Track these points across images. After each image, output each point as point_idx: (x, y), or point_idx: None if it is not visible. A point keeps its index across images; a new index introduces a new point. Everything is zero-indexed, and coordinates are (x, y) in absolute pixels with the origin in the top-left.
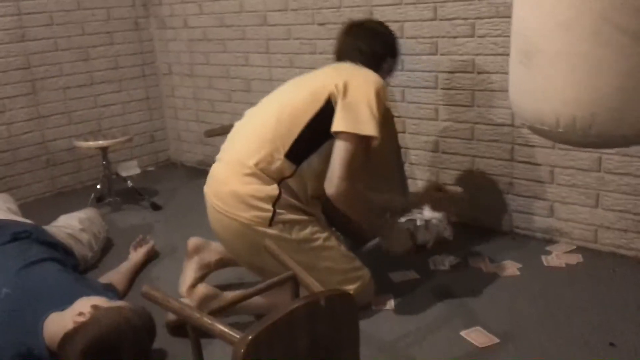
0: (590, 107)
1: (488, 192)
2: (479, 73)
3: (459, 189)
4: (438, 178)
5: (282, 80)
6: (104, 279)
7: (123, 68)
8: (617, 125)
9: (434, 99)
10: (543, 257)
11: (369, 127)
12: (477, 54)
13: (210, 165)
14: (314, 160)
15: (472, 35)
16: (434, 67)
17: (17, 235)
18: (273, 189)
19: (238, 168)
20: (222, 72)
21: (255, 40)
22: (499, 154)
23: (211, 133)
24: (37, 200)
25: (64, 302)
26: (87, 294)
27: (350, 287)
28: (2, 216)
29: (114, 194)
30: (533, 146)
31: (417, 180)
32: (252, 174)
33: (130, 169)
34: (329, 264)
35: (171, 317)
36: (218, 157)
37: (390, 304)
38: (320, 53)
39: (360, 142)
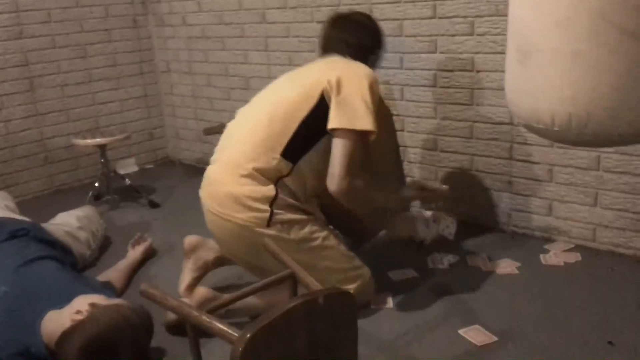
0: (587, 106)
1: (487, 191)
2: (478, 71)
3: (443, 187)
4: (437, 176)
5: None
6: (102, 277)
7: (121, 65)
8: (613, 124)
9: (433, 97)
10: (541, 256)
11: (365, 122)
12: (477, 53)
13: (208, 164)
14: (311, 157)
15: (471, 34)
16: (433, 66)
17: (15, 233)
18: (269, 190)
19: (234, 169)
20: (221, 70)
21: (254, 37)
22: (498, 152)
23: (210, 131)
24: (35, 198)
25: (62, 300)
26: (85, 292)
27: (351, 286)
28: (0, 214)
29: (112, 192)
30: (532, 145)
31: (416, 178)
32: (248, 175)
33: (128, 167)
34: (328, 264)
35: (170, 317)
36: (213, 159)
37: (389, 302)
38: None
39: (358, 137)
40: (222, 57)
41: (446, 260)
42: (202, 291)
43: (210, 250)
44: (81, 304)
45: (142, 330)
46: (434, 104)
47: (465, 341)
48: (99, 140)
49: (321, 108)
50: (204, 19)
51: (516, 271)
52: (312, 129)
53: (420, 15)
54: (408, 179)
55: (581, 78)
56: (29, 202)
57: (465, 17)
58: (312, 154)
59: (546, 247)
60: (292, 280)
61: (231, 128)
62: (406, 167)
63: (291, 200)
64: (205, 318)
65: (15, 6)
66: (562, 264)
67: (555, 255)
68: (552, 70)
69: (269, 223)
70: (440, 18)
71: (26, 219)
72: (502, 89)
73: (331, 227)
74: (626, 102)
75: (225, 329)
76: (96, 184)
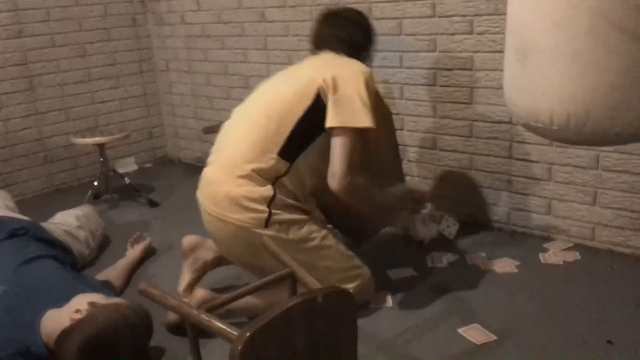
0: (585, 105)
1: (486, 190)
2: (477, 70)
3: (425, 189)
4: (436, 175)
5: None
6: (101, 276)
7: (120, 64)
8: (611, 123)
9: (432, 96)
10: (540, 255)
11: (364, 119)
12: (476, 51)
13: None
14: (308, 155)
15: (470, 33)
16: (433, 64)
17: (14, 232)
18: (267, 190)
19: (231, 170)
20: (220, 69)
21: (254, 36)
22: (497, 151)
23: (209, 130)
24: (34, 197)
25: (61, 299)
26: (85, 291)
27: (350, 286)
28: None
29: (111, 191)
30: (531, 144)
31: (415, 177)
32: (246, 176)
33: (127, 166)
34: (327, 263)
35: (171, 317)
36: (209, 160)
37: (389, 301)
38: None
39: (356, 134)
40: (221, 55)
41: (445, 259)
42: (200, 293)
43: (208, 251)
44: (80, 303)
45: (141, 329)
46: (433, 102)
47: (464, 340)
48: (98, 139)
49: (317, 106)
50: (203, 18)
51: (515, 270)
52: (308, 128)
53: (420, 14)
54: (415, 178)
55: (580, 77)
56: (28, 201)
57: (464, 15)
58: (309, 152)
59: (545, 246)
60: (292, 280)
61: (227, 128)
62: (405, 166)
63: (289, 200)
64: (204, 317)
65: (15, 5)
66: (561, 262)
67: (554, 254)
68: (550, 70)
69: (267, 223)
70: (439, 17)
71: (25, 218)
72: (501, 87)
73: (330, 226)
74: (625, 102)
75: (224, 327)
76: (95, 183)
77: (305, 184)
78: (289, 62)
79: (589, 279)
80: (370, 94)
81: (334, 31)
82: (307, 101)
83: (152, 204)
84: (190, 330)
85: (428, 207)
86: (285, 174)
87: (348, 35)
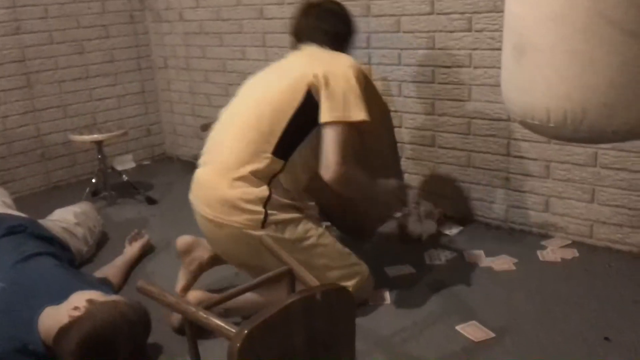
0: (582, 102)
1: (484, 187)
2: (475, 68)
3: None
4: (434, 173)
5: None
6: (99, 273)
7: (118, 61)
8: (608, 120)
9: (430, 93)
10: (539, 252)
11: (358, 113)
12: (474, 49)
13: None
14: (302, 151)
15: (469, 30)
16: (431, 62)
17: (12, 229)
18: (263, 190)
19: (225, 173)
20: (219, 66)
21: (252, 33)
22: (496, 148)
23: (207, 127)
24: (32, 194)
25: (59, 297)
26: (83, 289)
27: (349, 283)
28: None
29: (109, 188)
30: (529, 141)
31: (413, 175)
32: (241, 178)
33: (125, 163)
34: (325, 261)
35: (174, 320)
36: (201, 161)
37: (387, 298)
38: None
39: (349, 127)
40: (219, 53)
41: (443, 256)
42: (194, 294)
43: (204, 251)
44: (78, 300)
45: (140, 327)
46: (431, 100)
47: (462, 337)
48: (96, 137)
49: (308, 102)
50: (202, 15)
51: (513, 267)
52: (301, 124)
53: (419, 11)
54: (413, 176)
55: (577, 75)
56: (26, 198)
57: (463, 13)
58: (302, 148)
59: (543, 243)
60: (290, 277)
61: (218, 129)
62: (403, 163)
63: (284, 200)
64: (202, 314)
65: (12, 1)
66: (559, 260)
67: (552, 252)
68: (547, 67)
69: (264, 224)
70: (438, 14)
71: (23, 215)
72: (499, 85)
73: (328, 223)
74: (621, 99)
75: (222, 325)
76: (93, 180)
77: (300, 180)
78: None
79: (587, 276)
80: (361, 87)
81: (316, 23)
82: (299, 98)
83: (150, 201)
84: (188, 328)
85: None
86: (280, 171)
87: (330, 26)
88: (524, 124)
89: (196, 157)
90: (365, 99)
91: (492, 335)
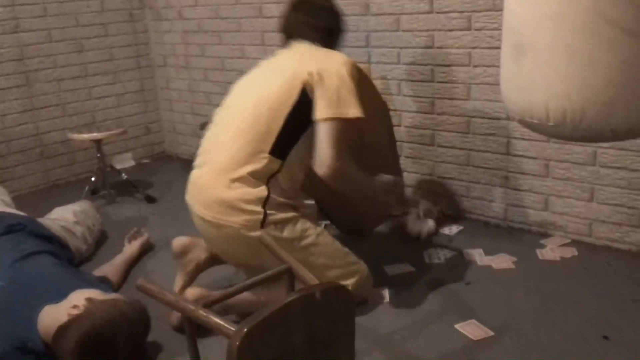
0: (581, 101)
1: (483, 186)
2: (475, 66)
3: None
4: (433, 172)
5: None
6: (98, 271)
7: (117, 60)
8: (607, 119)
9: (429, 92)
10: (538, 251)
11: (352, 110)
12: (474, 47)
13: None
14: (299, 149)
15: (468, 29)
16: (430, 60)
17: (11, 227)
18: (261, 190)
19: (223, 174)
20: (218, 65)
21: (251, 32)
22: (495, 147)
23: (206, 126)
24: (31, 193)
25: (58, 295)
26: (82, 287)
27: (348, 282)
28: None
29: (109, 187)
30: (528, 140)
31: (412, 173)
32: (239, 179)
33: (124, 162)
34: (324, 260)
35: (174, 319)
36: (197, 162)
37: (386, 297)
38: None
39: (343, 123)
40: (218, 51)
41: (442, 255)
42: (192, 291)
43: (200, 251)
44: (78, 299)
45: (139, 325)
46: (430, 99)
47: (461, 336)
48: (95, 135)
49: (303, 101)
50: (201, 13)
51: (512, 266)
52: (297, 123)
53: (418, 10)
54: (412, 175)
55: (576, 74)
56: (25, 196)
57: (462, 12)
58: (299, 146)
59: (542, 242)
60: (289, 276)
61: (214, 130)
62: (403, 162)
63: (282, 199)
64: (202, 312)
65: (11, 0)
66: (558, 258)
67: (551, 250)
68: (547, 66)
69: (263, 225)
70: (437, 13)
71: (22, 213)
72: (499, 84)
73: (327, 222)
74: (620, 98)
75: (222, 323)
76: (92, 179)
77: (297, 179)
78: None
79: (586, 275)
80: (355, 84)
81: (306, 19)
82: (294, 96)
83: (150, 199)
84: (187, 326)
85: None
86: (278, 171)
87: (321, 22)
88: (523, 122)
89: (195, 155)
90: (359, 96)
91: (491, 334)
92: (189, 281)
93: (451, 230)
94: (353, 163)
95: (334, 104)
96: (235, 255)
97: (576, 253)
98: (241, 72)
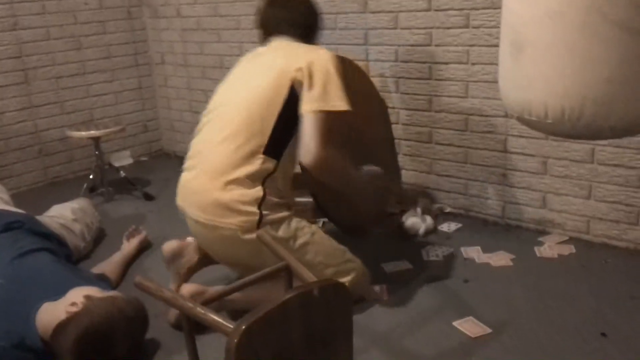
0: (579, 99)
1: (481, 183)
2: (473, 64)
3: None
4: (431, 169)
5: None
6: (97, 269)
7: (115, 57)
8: (605, 116)
9: (427, 89)
10: (536, 248)
11: (339, 103)
12: (472, 45)
13: None
14: (292, 147)
15: (466, 26)
16: (428, 58)
17: (9, 225)
18: (257, 191)
19: (219, 177)
20: (216, 62)
21: (250, 30)
22: (493, 145)
23: None
24: (29, 190)
25: (57, 293)
26: (80, 284)
27: (344, 279)
28: None
29: (107, 184)
30: (526, 137)
31: (410, 171)
32: (235, 180)
33: (123, 159)
34: (320, 258)
35: (172, 317)
36: (188, 165)
37: (384, 294)
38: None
39: (329, 115)
40: (217, 49)
41: (440, 252)
42: (188, 287)
43: (191, 254)
44: (76, 296)
45: (137, 323)
46: (428, 96)
47: (459, 333)
48: (93, 133)
49: (293, 98)
50: (199, 11)
51: (510, 263)
52: (289, 121)
53: (416, 7)
54: (410, 172)
55: (574, 71)
56: (23, 194)
57: (460, 9)
58: (292, 144)
59: (540, 239)
60: (287, 273)
61: (204, 132)
62: (401, 159)
63: (277, 199)
64: (200, 310)
65: None
66: (556, 256)
67: (549, 248)
68: (545, 64)
69: (259, 225)
70: (435, 10)
71: (21, 211)
72: (497, 81)
73: (326, 220)
74: (619, 95)
75: (219, 320)
76: (91, 177)
77: (290, 177)
78: None
79: (584, 272)
80: (342, 78)
81: (284, 14)
82: (283, 94)
83: (148, 197)
84: (186, 324)
85: (423, 201)
86: (274, 171)
87: (300, 16)
88: (522, 120)
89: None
90: (346, 90)
91: (489, 331)
92: (184, 280)
93: (449, 227)
94: (339, 155)
95: (319, 97)
96: (231, 257)
97: (574, 250)
98: None
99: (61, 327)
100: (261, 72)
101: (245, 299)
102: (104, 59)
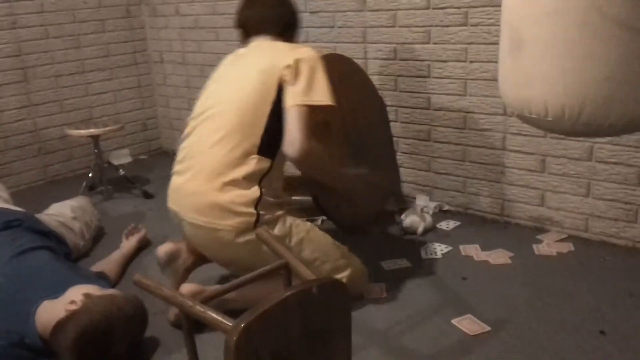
0: (579, 96)
1: (480, 181)
2: (471, 62)
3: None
4: (430, 167)
5: None
6: (96, 267)
7: (114, 56)
8: (605, 114)
9: (426, 87)
10: (534, 246)
11: (322, 98)
12: (470, 43)
13: None
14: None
15: (465, 24)
16: (427, 56)
17: (8, 223)
18: (254, 191)
19: (215, 179)
20: (215, 61)
21: None
22: (491, 143)
23: None
24: (28, 189)
25: (56, 291)
26: (79, 283)
27: (341, 276)
28: None
29: (106, 183)
30: (525, 135)
31: (409, 169)
32: (231, 182)
33: (122, 158)
34: (316, 255)
35: (172, 316)
36: (179, 169)
37: (382, 292)
38: (313, 41)
39: (314, 109)
40: (215, 47)
41: (439, 250)
42: (188, 287)
43: (186, 256)
44: (75, 294)
45: (136, 321)
46: (427, 94)
47: (458, 331)
48: (92, 131)
49: (281, 96)
50: (198, 9)
51: (509, 261)
52: (280, 119)
53: (414, 5)
54: (409, 170)
55: (574, 69)
56: (22, 192)
57: (459, 7)
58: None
59: (539, 237)
60: (286, 271)
61: (195, 135)
62: (399, 157)
63: (272, 199)
64: (199, 308)
65: None
66: (554, 254)
67: (548, 246)
68: (545, 61)
69: (256, 226)
70: (434, 8)
71: (20, 209)
72: (495, 79)
73: (324, 217)
74: (618, 93)
75: (219, 318)
76: (90, 175)
77: (283, 176)
78: None
79: (582, 270)
80: (326, 75)
81: (263, 13)
82: (272, 93)
83: (147, 195)
84: (185, 321)
85: (422, 199)
86: (269, 170)
87: (279, 17)
88: (522, 117)
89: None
90: (330, 87)
91: (488, 328)
92: (181, 281)
93: (448, 225)
94: (321, 146)
95: (303, 92)
96: (229, 257)
97: (572, 248)
98: None
99: (60, 325)
100: (248, 73)
101: (244, 297)
102: (102, 57)
